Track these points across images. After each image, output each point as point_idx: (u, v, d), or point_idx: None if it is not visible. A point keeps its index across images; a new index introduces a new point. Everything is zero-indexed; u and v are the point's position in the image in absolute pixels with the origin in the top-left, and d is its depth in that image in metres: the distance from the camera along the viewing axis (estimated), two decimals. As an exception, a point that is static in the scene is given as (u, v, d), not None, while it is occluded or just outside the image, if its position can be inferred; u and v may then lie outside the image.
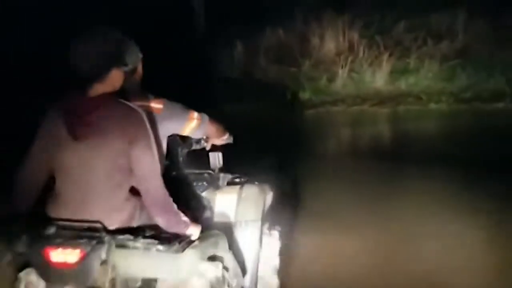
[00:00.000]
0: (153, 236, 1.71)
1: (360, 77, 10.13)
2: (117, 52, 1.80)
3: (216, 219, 2.31)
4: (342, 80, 10.14)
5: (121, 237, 1.69)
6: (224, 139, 2.46)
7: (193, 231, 1.85)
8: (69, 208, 1.77)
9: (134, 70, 1.90)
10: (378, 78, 9.99)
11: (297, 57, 10.61)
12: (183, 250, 1.70)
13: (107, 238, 1.66)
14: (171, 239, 1.71)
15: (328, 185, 5.17)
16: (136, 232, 1.73)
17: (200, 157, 2.57)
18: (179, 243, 1.71)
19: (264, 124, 7.85)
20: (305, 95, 10.06)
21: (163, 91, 2.14)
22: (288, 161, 5.75)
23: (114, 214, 1.77)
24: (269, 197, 2.56)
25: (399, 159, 6.09)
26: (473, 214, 4.28)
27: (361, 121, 9.03)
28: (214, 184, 2.46)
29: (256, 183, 2.50)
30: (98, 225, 1.69)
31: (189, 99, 2.19)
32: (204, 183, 2.46)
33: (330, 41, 10.67)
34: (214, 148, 2.53)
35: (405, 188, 5.03)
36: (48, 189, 1.87)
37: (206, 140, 2.46)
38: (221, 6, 11.50)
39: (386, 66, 9.98)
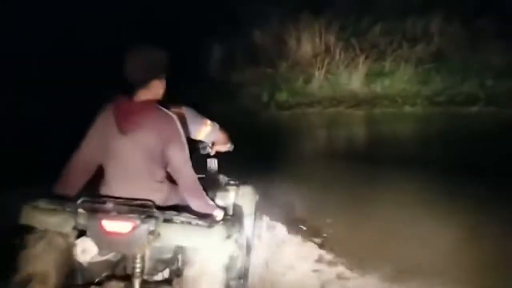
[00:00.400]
0: (190, 213, 2.16)
1: (336, 79, 10.15)
2: (159, 66, 2.25)
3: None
4: (318, 82, 10.16)
5: (168, 212, 2.12)
6: (227, 147, 2.84)
7: (218, 213, 2.30)
8: (117, 188, 2.21)
9: None
10: (354, 81, 10.02)
11: (274, 59, 10.60)
12: (214, 225, 2.09)
13: (157, 213, 2.06)
14: (203, 217, 2.16)
15: (300, 184, 5.17)
16: (176, 209, 2.18)
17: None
18: (210, 220, 2.15)
19: (239, 125, 7.76)
20: (281, 96, 10.05)
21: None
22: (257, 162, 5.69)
23: (153, 195, 2.20)
24: (257, 196, 3.04)
25: (373, 161, 6.08)
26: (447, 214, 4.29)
27: (336, 123, 9.04)
28: (215, 185, 2.82)
29: (249, 184, 2.96)
30: (149, 202, 2.10)
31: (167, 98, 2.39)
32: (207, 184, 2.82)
33: (306, 43, 10.68)
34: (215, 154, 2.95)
35: (376, 189, 5.03)
36: (97, 173, 2.30)
37: (211, 147, 2.83)
38: (199, 7, 11.45)
39: (362, 68, 10.02)
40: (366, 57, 10.11)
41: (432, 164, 5.77)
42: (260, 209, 3.14)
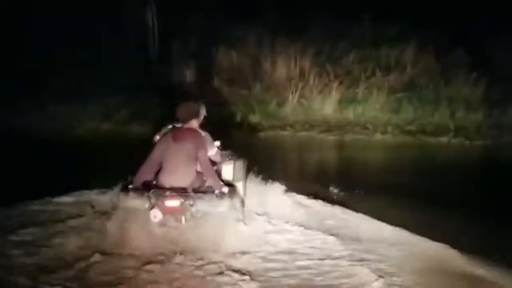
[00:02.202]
0: (211, 192, 3.79)
1: (310, 103, 10.23)
2: (196, 113, 3.92)
3: (223, 178, 4.22)
4: (291, 106, 10.24)
5: (198, 193, 3.70)
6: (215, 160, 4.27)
7: (225, 189, 3.82)
8: (170, 178, 3.77)
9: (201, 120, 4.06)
10: (327, 106, 10.11)
11: (249, 80, 10.64)
12: (223, 198, 3.71)
13: (193, 194, 3.66)
14: (218, 192, 3.77)
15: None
16: (201, 189, 3.80)
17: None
18: (221, 195, 3.75)
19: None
20: (255, 118, 10.06)
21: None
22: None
23: (189, 179, 3.79)
24: (246, 165, 4.63)
25: (340, 186, 6.03)
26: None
27: (308, 147, 9.04)
28: (224, 157, 4.35)
29: (242, 159, 4.50)
30: (188, 188, 3.71)
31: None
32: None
33: (281, 67, 10.75)
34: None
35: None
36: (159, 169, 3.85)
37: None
38: (175, 26, 11.49)
39: (335, 94, 10.13)
40: (340, 83, 10.24)
41: (393, 191, 5.69)
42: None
